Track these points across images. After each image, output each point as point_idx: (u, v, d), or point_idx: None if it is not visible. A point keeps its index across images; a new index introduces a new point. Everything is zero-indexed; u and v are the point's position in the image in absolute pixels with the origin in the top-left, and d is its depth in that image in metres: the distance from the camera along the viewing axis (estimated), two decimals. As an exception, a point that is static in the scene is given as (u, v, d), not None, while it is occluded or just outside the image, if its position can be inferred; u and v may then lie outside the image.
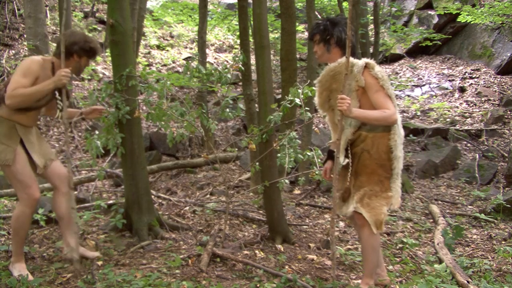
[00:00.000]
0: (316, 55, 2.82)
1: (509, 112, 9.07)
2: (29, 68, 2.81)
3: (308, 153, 3.55)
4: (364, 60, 2.62)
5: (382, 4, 10.60)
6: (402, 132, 2.68)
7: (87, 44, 2.95)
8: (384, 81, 2.58)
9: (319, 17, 11.99)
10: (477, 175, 6.30)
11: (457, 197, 5.63)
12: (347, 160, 2.68)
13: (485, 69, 10.83)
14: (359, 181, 2.67)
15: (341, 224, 4.30)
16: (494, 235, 4.08)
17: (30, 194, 2.87)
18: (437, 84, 10.77)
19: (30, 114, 2.95)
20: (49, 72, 2.92)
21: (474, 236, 4.12)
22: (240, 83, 8.28)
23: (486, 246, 3.84)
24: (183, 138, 3.50)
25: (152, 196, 4.27)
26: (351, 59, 2.60)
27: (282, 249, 3.54)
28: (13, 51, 9.18)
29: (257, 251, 3.45)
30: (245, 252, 3.43)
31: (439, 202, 5.37)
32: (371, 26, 9.13)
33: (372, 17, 8.89)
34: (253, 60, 5.14)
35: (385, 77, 2.60)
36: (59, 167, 3.10)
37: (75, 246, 3.01)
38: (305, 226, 4.23)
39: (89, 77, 9.17)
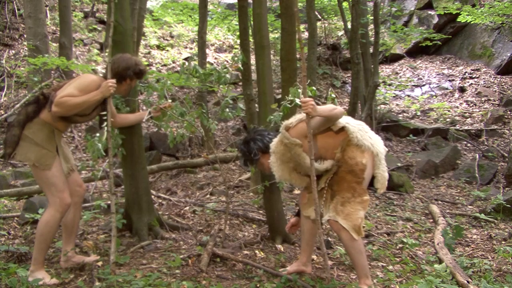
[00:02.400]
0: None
1: (509, 112, 9.06)
2: (87, 86, 2.85)
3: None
4: (281, 128, 2.75)
5: (382, 4, 10.60)
6: (356, 122, 2.75)
7: (137, 67, 3.03)
8: (301, 115, 2.70)
9: (319, 17, 11.99)
10: (477, 175, 6.30)
11: (457, 197, 5.63)
12: (321, 186, 2.77)
13: (485, 69, 10.83)
14: (332, 191, 2.74)
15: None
16: (494, 235, 4.08)
17: (63, 199, 2.84)
18: (437, 84, 10.77)
19: (69, 124, 3.02)
20: None
21: (474, 236, 4.12)
22: (240, 83, 8.27)
23: (486, 246, 3.83)
24: (184, 138, 3.51)
25: (152, 196, 4.27)
26: (273, 141, 2.80)
27: (282, 249, 3.54)
28: (13, 51, 9.18)
29: (257, 251, 3.45)
30: (245, 252, 3.43)
31: (439, 202, 5.37)
32: (371, 26, 9.12)
33: (372, 17, 8.89)
34: (253, 60, 5.14)
35: (301, 114, 2.73)
36: (77, 176, 3.11)
37: (71, 255, 3.06)
38: (305, 226, 4.22)
39: (89, 77, 9.15)
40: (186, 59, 10.98)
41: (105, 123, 3.05)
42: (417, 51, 12.35)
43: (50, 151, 2.84)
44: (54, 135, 2.89)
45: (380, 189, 2.72)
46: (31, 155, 2.80)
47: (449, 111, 9.43)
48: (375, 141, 2.72)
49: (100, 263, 3.08)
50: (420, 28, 11.09)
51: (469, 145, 7.97)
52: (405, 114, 9.45)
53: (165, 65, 10.68)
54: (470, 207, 5.18)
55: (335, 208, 2.66)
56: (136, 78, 3.09)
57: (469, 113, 9.32)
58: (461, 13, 9.44)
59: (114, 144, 3.40)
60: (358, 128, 2.70)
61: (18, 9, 9.80)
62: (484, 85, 10.23)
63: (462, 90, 10.32)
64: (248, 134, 3.01)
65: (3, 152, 2.86)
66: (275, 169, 2.82)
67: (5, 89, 8.19)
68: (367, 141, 2.67)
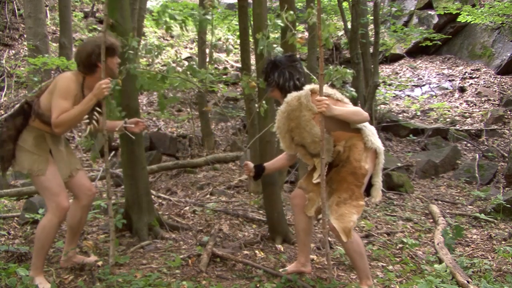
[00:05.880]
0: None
1: (509, 112, 9.06)
2: (68, 89, 2.69)
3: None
4: (308, 88, 2.65)
5: (382, 4, 10.60)
6: (370, 127, 2.73)
7: (103, 45, 2.77)
8: (334, 93, 2.65)
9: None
10: (477, 175, 6.30)
11: (457, 197, 5.63)
12: (317, 180, 2.72)
13: (485, 69, 10.83)
14: (331, 189, 2.71)
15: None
16: (494, 235, 4.08)
17: (59, 203, 2.73)
18: (437, 84, 10.77)
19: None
20: (80, 87, 2.78)
21: (474, 236, 4.12)
22: (240, 83, 8.26)
23: (486, 246, 3.84)
24: (177, 100, 3.38)
25: (152, 196, 4.27)
26: (294, 93, 2.68)
27: (282, 249, 3.54)
28: (13, 51, 9.18)
29: (257, 251, 3.45)
30: (245, 252, 3.43)
31: (439, 202, 5.37)
32: (371, 26, 9.13)
33: (372, 17, 8.89)
34: (253, 60, 5.13)
35: (334, 90, 2.68)
36: (83, 177, 3.00)
37: (72, 255, 3.04)
38: (305, 226, 4.22)
39: (89, 77, 9.16)
40: (186, 59, 10.99)
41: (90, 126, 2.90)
42: (417, 51, 12.35)
43: (41, 156, 2.74)
44: (44, 139, 2.78)
45: (377, 197, 2.74)
46: (25, 163, 2.73)
47: (449, 111, 9.43)
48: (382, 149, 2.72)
49: (100, 263, 3.08)
50: (420, 28, 11.09)
51: (469, 145, 7.97)
52: (405, 114, 9.45)
53: (165, 65, 10.68)
54: (470, 207, 5.18)
55: (329, 207, 2.66)
56: (110, 57, 2.80)
57: (469, 113, 9.32)
58: (461, 13, 9.45)
59: (114, 117, 3.24)
60: (372, 132, 2.69)
61: (18, 9, 9.81)
62: (484, 85, 10.23)
63: (462, 90, 10.32)
64: (287, 59, 2.81)
65: (0, 167, 2.78)
66: (278, 118, 2.75)
67: (5, 89, 8.20)
68: (380, 145, 2.68)
